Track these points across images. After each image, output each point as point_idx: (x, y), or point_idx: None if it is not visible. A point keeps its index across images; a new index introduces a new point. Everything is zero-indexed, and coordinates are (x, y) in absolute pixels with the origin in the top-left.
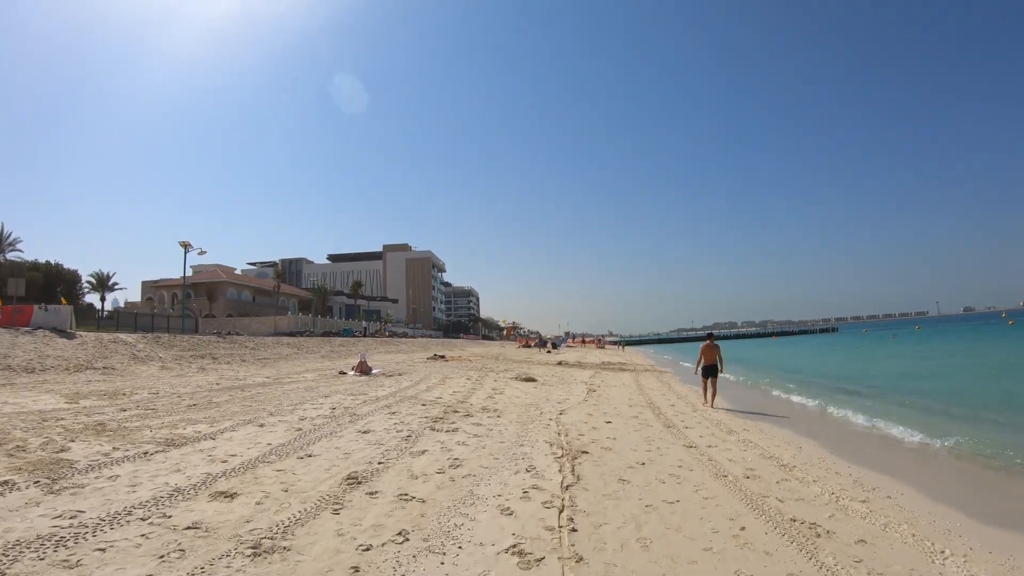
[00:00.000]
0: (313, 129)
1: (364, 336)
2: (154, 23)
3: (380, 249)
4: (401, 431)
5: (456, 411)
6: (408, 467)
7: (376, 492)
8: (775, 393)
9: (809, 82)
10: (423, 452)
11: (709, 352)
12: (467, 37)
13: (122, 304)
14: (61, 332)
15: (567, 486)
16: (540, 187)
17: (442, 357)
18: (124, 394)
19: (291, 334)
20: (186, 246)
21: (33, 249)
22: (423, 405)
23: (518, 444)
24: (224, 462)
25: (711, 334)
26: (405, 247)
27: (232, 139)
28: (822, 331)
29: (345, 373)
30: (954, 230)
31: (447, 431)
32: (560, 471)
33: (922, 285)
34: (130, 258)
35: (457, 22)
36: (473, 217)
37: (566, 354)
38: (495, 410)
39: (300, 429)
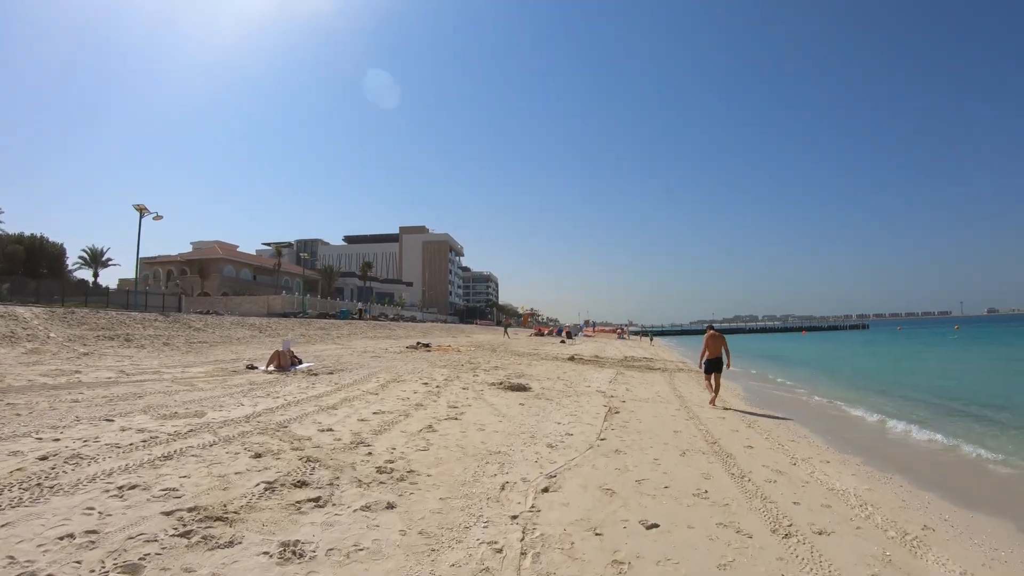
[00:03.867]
0: (334, 113)
1: (359, 319)
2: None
3: (397, 231)
4: None
5: (305, 482)
6: None
7: None
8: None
9: (838, 79)
10: None
11: (714, 344)
12: (488, 27)
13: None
14: None
15: None
16: (563, 179)
17: (425, 346)
18: None
19: (284, 315)
20: (142, 210)
21: (41, 226)
22: (256, 457)
23: None
24: None
25: (711, 325)
26: (422, 229)
27: (251, 122)
28: (852, 327)
29: (255, 368)
30: (978, 232)
31: None
32: None
33: (945, 285)
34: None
35: (478, 14)
36: (497, 205)
37: (582, 345)
38: (406, 474)
39: None
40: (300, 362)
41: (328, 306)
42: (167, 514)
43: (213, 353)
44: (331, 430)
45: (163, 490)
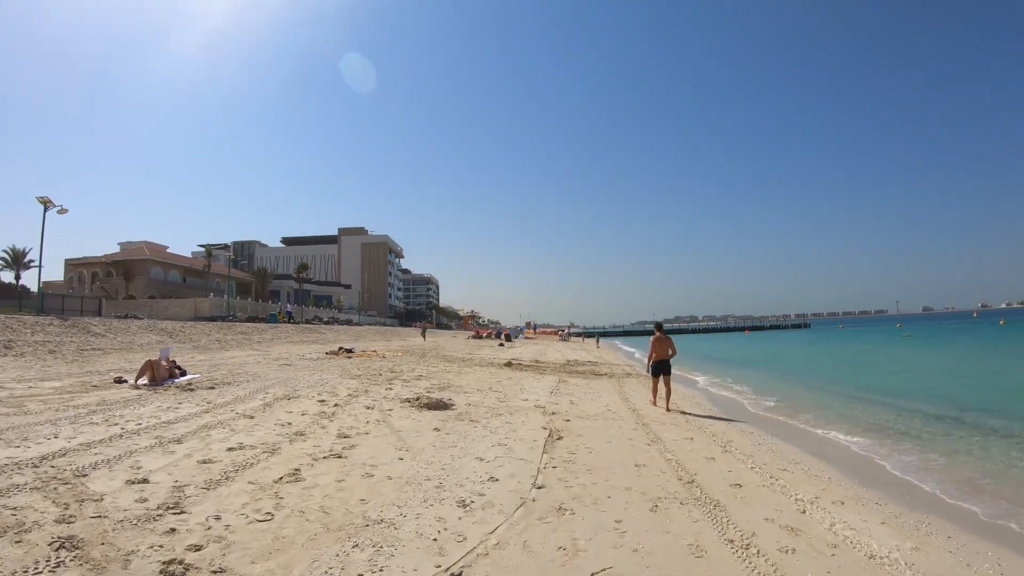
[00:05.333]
0: (276, 113)
1: (289, 322)
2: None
3: (336, 233)
4: None
5: None
6: None
7: None
8: None
9: (782, 87)
10: None
11: (660, 346)
12: (434, 23)
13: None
14: None
15: None
16: (503, 181)
17: (348, 351)
18: None
19: (212, 319)
20: (46, 203)
21: None
22: None
23: None
24: None
25: (660, 325)
26: (361, 231)
27: (190, 119)
28: (794, 327)
29: (124, 381)
30: (913, 233)
31: None
32: None
33: (880, 284)
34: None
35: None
36: (438, 208)
37: (521, 348)
38: None
39: None
40: (183, 373)
41: (260, 309)
42: None
43: (103, 362)
44: (145, 481)
45: None
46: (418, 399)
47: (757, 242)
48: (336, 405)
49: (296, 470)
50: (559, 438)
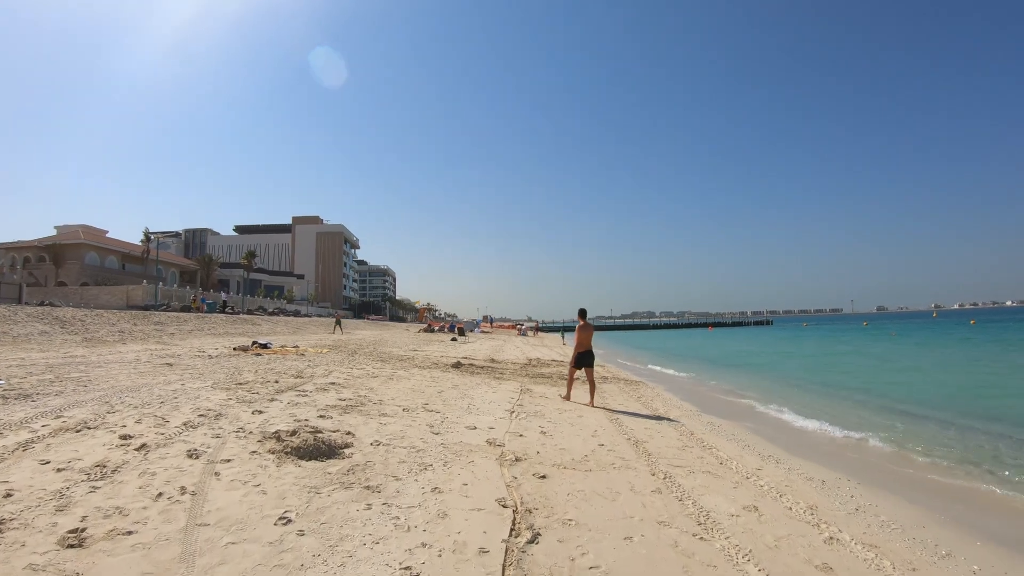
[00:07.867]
0: (235, 98)
1: (222, 312)
2: None
3: (290, 222)
4: None
5: None
6: None
7: None
8: None
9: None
10: None
11: (584, 335)
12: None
13: None
14: None
15: None
16: (466, 176)
17: (262, 346)
18: None
19: (145, 307)
20: None
21: None
22: None
23: None
24: None
25: (583, 312)
26: (316, 219)
27: (149, 107)
28: (757, 324)
29: None
30: (867, 238)
31: None
32: None
33: (835, 284)
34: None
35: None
36: (403, 202)
37: (476, 343)
38: None
39: None
40: None
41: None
42: None
43: None
44: None
45: None
46: (293, 434)
47: (715, 241)
48: (141, 447)
49: None
50: (533, 537)
